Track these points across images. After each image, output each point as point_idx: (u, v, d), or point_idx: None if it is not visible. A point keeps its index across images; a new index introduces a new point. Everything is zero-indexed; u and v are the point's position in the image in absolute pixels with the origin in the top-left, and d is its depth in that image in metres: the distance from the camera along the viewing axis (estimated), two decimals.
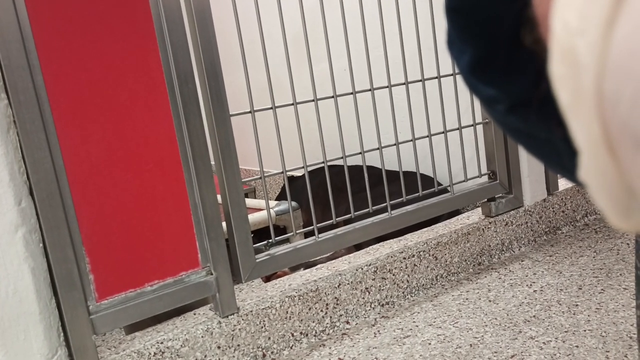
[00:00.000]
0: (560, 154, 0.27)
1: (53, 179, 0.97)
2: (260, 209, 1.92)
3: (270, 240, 1.30)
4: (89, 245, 1.02)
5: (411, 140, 1.52)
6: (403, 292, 1.46)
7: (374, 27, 1.49)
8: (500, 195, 1.68)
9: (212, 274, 1.15)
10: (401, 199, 1.49)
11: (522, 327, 1.25)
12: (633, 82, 0.15)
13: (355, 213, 1.40)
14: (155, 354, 1.10)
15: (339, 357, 1.22)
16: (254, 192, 2.79)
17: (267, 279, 1.48)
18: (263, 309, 1.23)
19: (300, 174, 2.32)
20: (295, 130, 1.32)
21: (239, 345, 1.20)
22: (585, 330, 1.20)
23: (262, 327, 1.23)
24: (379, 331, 1.32)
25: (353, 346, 1.26)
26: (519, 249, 1.69)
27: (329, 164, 1.39)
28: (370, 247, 1.53)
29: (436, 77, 1.54)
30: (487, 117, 1.65)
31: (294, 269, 1.56)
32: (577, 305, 1.32)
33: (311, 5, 1.43)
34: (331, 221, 1.37)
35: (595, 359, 1.10)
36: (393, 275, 1.44)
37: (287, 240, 1.53)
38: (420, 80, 1.51)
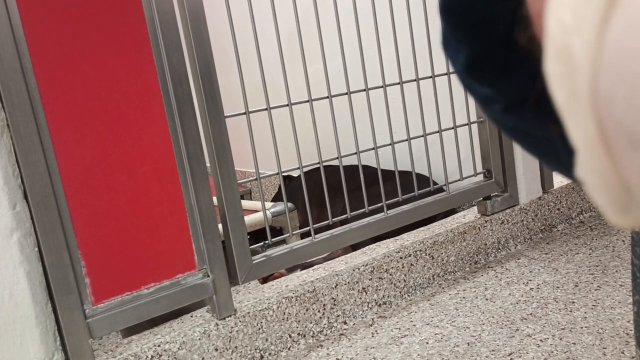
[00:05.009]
0: (557, 152, 0.27)
1: (47, 182, 0.97)
2: (257, 211, 1.92)
3: (266, 242, 1.30)
4: (84, 248, 1.02)
5: (406, 140, 1.52)
6: (400, 292, 1.46)
7: (367, 27, 1.49)
8: (496, 193, 1.68)
9: (208, 276, 1.15)
10: (397, 198, 1.49)
11: (519, 325, 1.25)
12: (627, 80, 0.15)
13: (352, 213, 1.40)
14: (152, 357, 1.09)
15: (336, 358, 1.22)
16: (249, 193, 2.79)
17: (264, 280, 1.47)
18: (260, 310, 1.23)
19: (296, 175, 2.32)
20: (291, 131, 1.32)
21: (236, 347, 1.19)
22: (582, 328, 1.21)
23: (259, 329, 1.23)
24: (376, 331, 1.32)
25: (351, 346, 1.26)
26: (515, 247, 1.69)
27: (324, 164, 1.39)
28: (367, 247, 1.53)
29: (430, 77, 1.54)
30: (481, 115, 1.65)
31: (291, 270, 1.56)
32: (573, 302, 1.32)
33: (305, 6, 1.43)
34: (327, 222, 1.37)
35: (592, 355, 1.10)
36: (390, 275, 1.44)
37: (283, 242, 1.52)
38: (415, 80, 1.51)
